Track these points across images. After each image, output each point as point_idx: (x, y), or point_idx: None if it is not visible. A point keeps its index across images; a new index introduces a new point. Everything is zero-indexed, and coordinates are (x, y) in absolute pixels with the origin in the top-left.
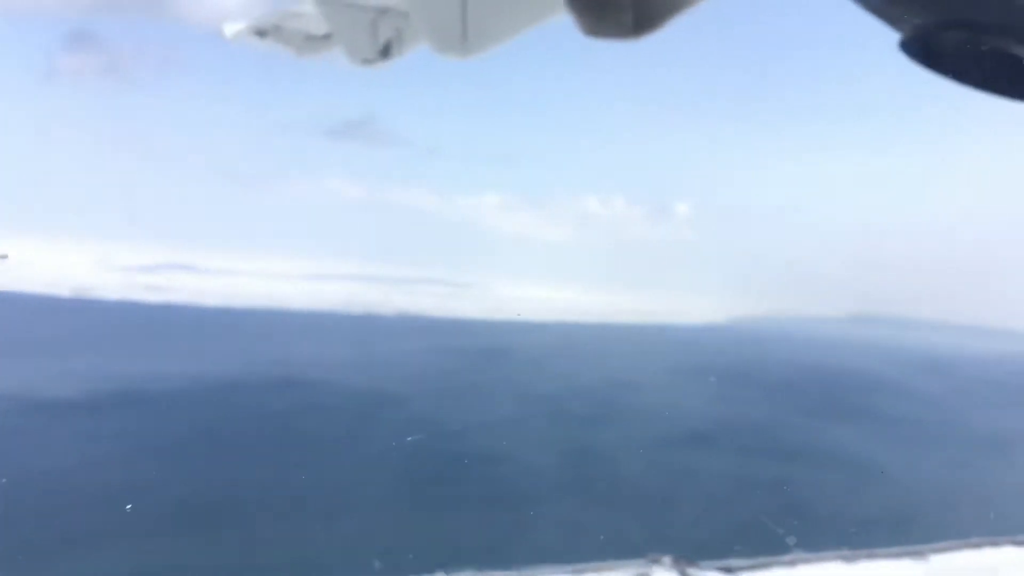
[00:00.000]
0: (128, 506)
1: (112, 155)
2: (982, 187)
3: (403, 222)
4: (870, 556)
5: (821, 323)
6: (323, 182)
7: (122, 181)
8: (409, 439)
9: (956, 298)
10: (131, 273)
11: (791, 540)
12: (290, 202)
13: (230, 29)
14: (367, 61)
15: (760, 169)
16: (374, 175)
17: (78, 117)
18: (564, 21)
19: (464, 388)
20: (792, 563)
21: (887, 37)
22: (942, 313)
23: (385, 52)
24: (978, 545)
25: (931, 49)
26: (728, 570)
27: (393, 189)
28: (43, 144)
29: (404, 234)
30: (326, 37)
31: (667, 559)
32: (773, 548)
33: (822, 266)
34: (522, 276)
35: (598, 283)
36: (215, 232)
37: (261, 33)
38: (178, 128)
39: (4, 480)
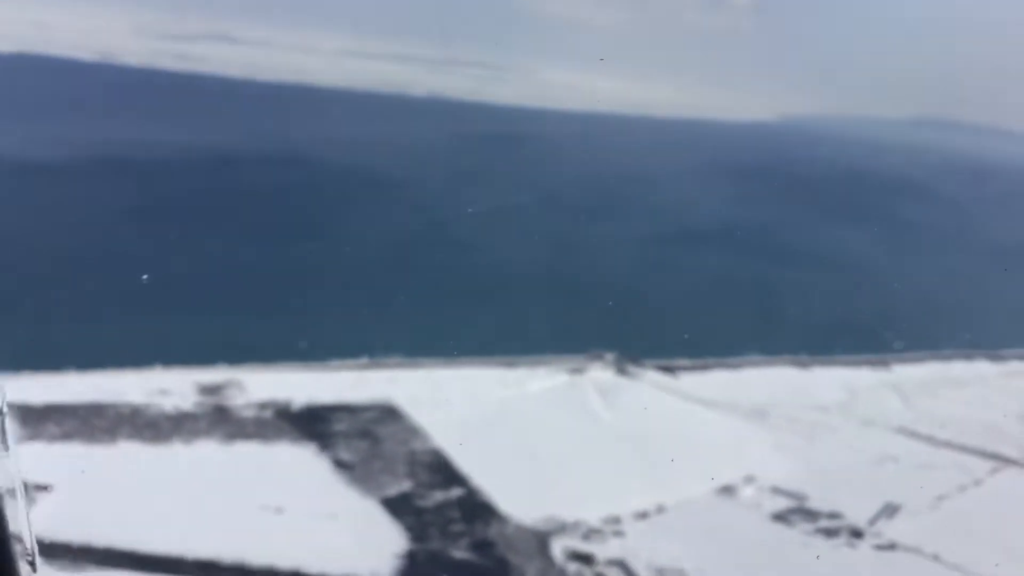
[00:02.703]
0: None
1: None
2: None
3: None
4: (826, 362)
5: (880, 124)
6: None
7: None
8: (384, 222)
9: None
10: (166, 41)
11: (750, 341)
12: None
13: None
14: None
15: None
16: None
17: None
18: None
19: (467, 173)
20: (737, 366)
21: None
22: (1018, 121)
23: None
24: (948, 358)
25: None
26: (668, 369)
27: None
28: None
29: (447, 12)
30: None
31: (609, 356)
32: (731, 348)
33: (892, 64)
34: (568, 62)
35: (648, 73)
36: (253, 3)
37: None
38: None
39: None
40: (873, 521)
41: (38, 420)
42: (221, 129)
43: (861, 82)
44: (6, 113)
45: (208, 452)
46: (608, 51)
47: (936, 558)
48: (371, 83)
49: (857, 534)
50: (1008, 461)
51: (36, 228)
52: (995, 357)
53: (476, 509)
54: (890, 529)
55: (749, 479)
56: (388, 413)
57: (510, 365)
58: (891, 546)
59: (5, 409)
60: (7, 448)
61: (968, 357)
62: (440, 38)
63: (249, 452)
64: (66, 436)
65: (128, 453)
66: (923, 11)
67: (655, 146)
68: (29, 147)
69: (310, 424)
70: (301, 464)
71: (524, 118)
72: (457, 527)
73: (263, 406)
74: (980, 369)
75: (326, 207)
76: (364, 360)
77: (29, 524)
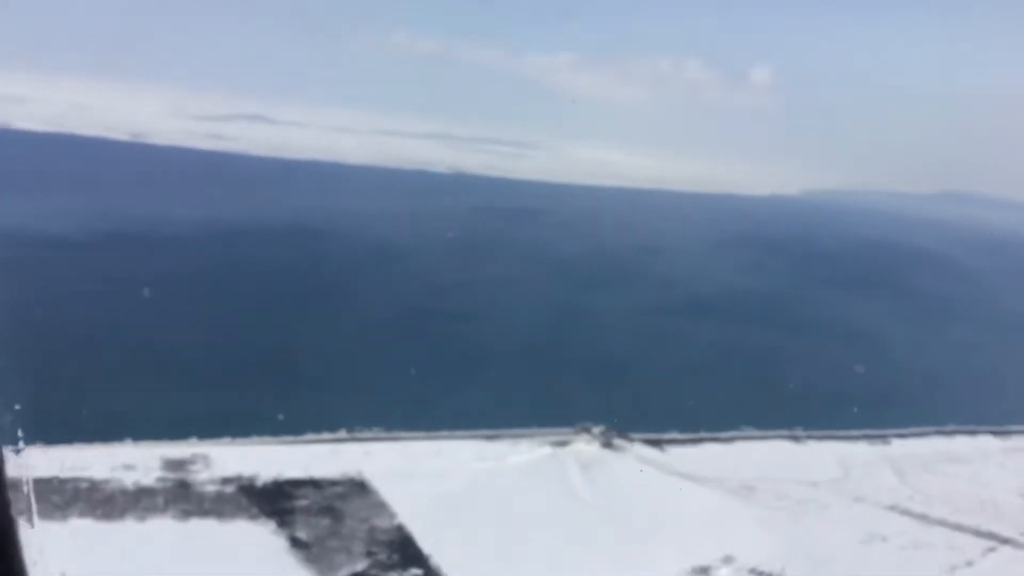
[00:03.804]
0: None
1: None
2: None
3: (472, 79)
4: (823, 437)
5: (904, 198)
6: (391, 36)
7: (197, 30)
8: (383, 295)
9: None
10: (201, 122)
11: (746, 415)
12: (359, 56)
13: None
14: None
15: (849, 34)
16: (443, 29)
17: None
18: None
19: (479, 245)
20: (730, 440)
21: None
22: None
23: None
24: (951, 433)
25: None
26: (656, 443)
27: (463, 44)
28: None
29: (473, 91)
30: None
31: (596, 429)
32: (725, 422)
33: (916, 139)
34: (593, 139)
35: (672, 149)
36: (288, 84)
37: None
38: None
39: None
40: None
41: None
42: (240, 205)
43: (885, 157)
44: (31, 190)
45: (160, 530)
46: (633, 128)
47: None
48: (396, 160)
49: None
50: (1004, 540)
51: (24, 301)
52: (1000, 433)
53: None
54: None
55: (727, 559)
56: (356, 488)
57: (492, 438)
58: None
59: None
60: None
61: (972, 432)
62: (469, 116)
63: (203, 530)
64: (17, 513)
65: (77, 530)
66: (947, 87)
67: (673, 219)
68: (45, 221)
69: (272, 500)
70: (255, 543)
71: (544, 193)
72: None
73: (227, 481)
74: (983, 445)
75: (327, 280)
76: (341, 433)
77: None
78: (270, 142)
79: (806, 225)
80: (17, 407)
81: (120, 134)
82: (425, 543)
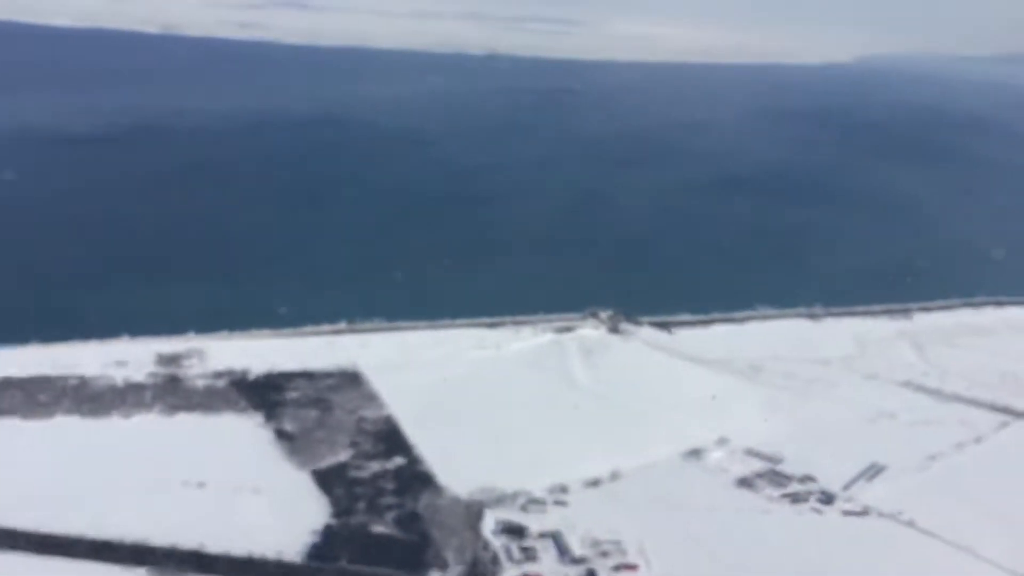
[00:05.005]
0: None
1: None
2: None
3: None
4: (842, 313)
5: (964, 62)
6: None
7: None
8: (400, 181)
9: None
10: (235, 10)
11: (764, 293)
12: None
13: None
14: None
15: None
16: None
17: None
18: None
19: (507, 127)
20: (743, 320)
21: None
22: None
23: None
24: (978, 305)
25: None
26: (664, 326)
27: None
28: None
29: None
30: None
31: (605, 313)
32: (743, 301)
33: (974, 1)
34: (635, 13)
35: (720, 20)
36: None
37: None
38: None
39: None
40: (849, 485)
41: None
42: (267, 95)
43: (944, 19)
44: (61, 86)
45: (146, 425)
46: (679, 1)
47: (911, 524)
48: (431, 43)
49: (827, 499)
50: (1018, 415)
51: (32, 199)
52: None
53: (413, 480)
54: (866, 493)
55: (722, 441)
56: (349, 379)
57: (495, 326)
58: (863, 512)
59: None
60: None
61: (1000, 304)
62: None
63: (189, 424)
64: (3, 412)
65: (62, 427)
66: None
67: (717, 93)
68: (68, 118)
69: (263, 393)
70: (241, 435)
71: (583, 71)
72: (386, 500)
73: (218, 375)
74: (1012, 316)
75: (343, 169)
76: (341, 325)
77: None
78: (303, 29)
79: (857, 93)
80: (17, 305)
81: (152, 27)
82: (412, 433)
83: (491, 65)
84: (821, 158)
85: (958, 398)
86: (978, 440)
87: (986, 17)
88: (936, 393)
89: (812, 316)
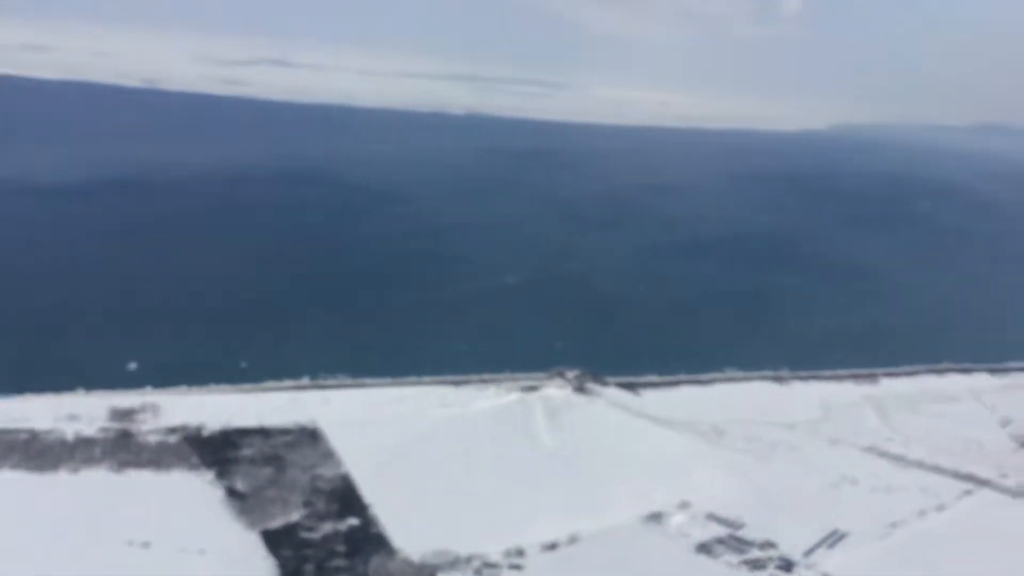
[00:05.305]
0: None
1: None
2: None
3: (498, 17)
4: (809, 377)
5: (938, 132)
6: None
7: None
8: (372, 238)
9: None
10: (221, 67)
11: (732, 355)
12: None
13: None
14: None
15: None
16: None
17: None
18: None
19: (483, 187)
20: (709, 381)
21: None
22: None
23: None
24: (944, 371)
25: None
26: (630, 386)
27: None
28: None
29: (498, 30)
30: None
31: (571, 373)
32: (710, 363)
33: (950, 71)
34: (616, 77)
35: (700, 86)
36: (312, 27)
37: None
38: None
39: None
40: (810, 552)
41: None
42: (244, 149)
43: (919, 90)
44: (38, 139)
45: (93, 481)
46: (659, 66)
47: None
48: (413, 102)
49: (787, 566)
50: (982, 483)
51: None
52: (997, 370)
53: (365, 542)
54: (827, 561)
55: (684, 505)
56: (307, 436)
57: (460, 384)
58: None
59: None
60: None
61: (966, 370)
62: (494, 56)
63: (138, 481)
64: None
65: (6, 482)
66: (986, 14)
67: (692, 157)
68: (42, 170)
69: (216, 450)
70: (190, 494)
71: (562, 133)
72: (336, 563)
73: (172, 431)
74: (977, 383)
75: (315, 225)
76: (303, 381)
77: None
78: (287, 86)
79: (830, 160)
80: None
81: (134, 81)
82: (368, 492)
83: (472, 124)
84: (792, 223)
85: (921, 465)
86: (940, 508)
87: (959, 88)
88: (899, 459)
89: (779, 379)
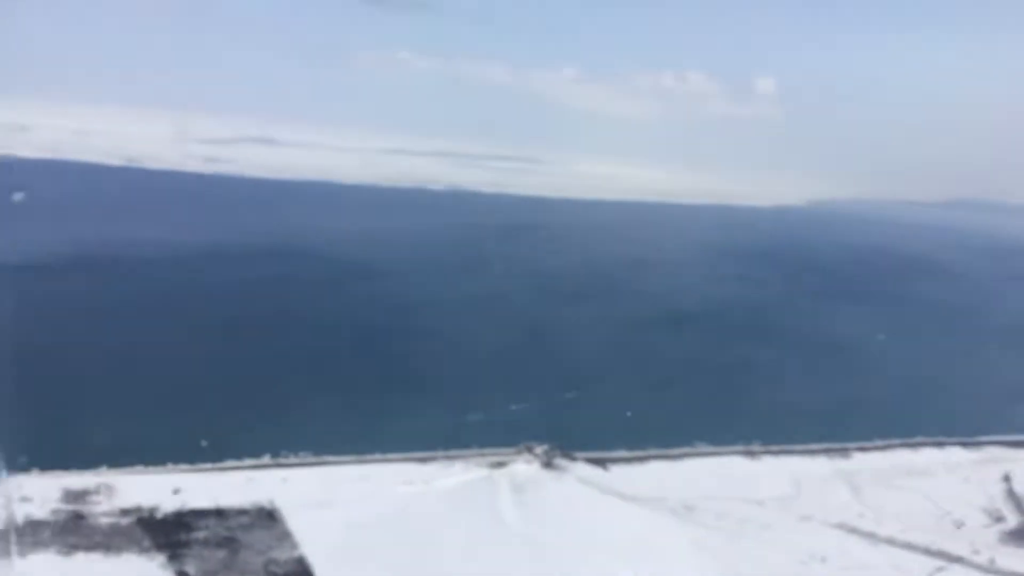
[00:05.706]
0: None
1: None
2: None
3: (477, 96)
4: (780, 452)
5: (913, 207)
6: (393, 54)
7: (203, 55)
8: (347, 314)
9: None
10: (204, 145)
11: (702, 430)
12: (365, 75)
13: None
14: None
15: (853, 42)
16: (444, 46)
17: None
18: None
19: (460, 262)
20: (679, 457)
21: None
22: None
23: None
24: (917, 445)
25: None
26: (599, 462)
27: (467, 62)
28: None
29: (478, 108)
30: None
31: (540, 448)
32: (680, 438)
33: (923, 147)
34: (595, 153)
35: (678, 162)
36: (295, 106)
37: None
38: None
39: None
40: None
41: None
42: (223, 227)
43: (894, 166)
44: (10, 217)
45: (41, 566)
46: (637, 142)
47: None
48: (395, 179)
49: None
50: (954, 559)
51: None
52: (971, 444)
53: None
54: None
55: None
56: (264, 517)
57: (425, 461)
58: None
59: None
60: None
61: (940, 445)
62: (474, 134)
63: (86, 566)
64: None
65: None
66: (958, 93)
67: (670, 231)
68: (10, 248)
69: (169, 532)
70: None
71: (542, 208)
72: None
73: (125, 513)
74: (951, 457)
75: (289, 301)
76: (264, 459)
77: None
78: (269, 164)
79: (807, 235)
80: None
81: (115, 159)
82: None
83: (453, 200)
84: (765, 296)
85: (892, 542)
86: None
87: (934, 165)
88: (870, 536)
89: (750, 453)
